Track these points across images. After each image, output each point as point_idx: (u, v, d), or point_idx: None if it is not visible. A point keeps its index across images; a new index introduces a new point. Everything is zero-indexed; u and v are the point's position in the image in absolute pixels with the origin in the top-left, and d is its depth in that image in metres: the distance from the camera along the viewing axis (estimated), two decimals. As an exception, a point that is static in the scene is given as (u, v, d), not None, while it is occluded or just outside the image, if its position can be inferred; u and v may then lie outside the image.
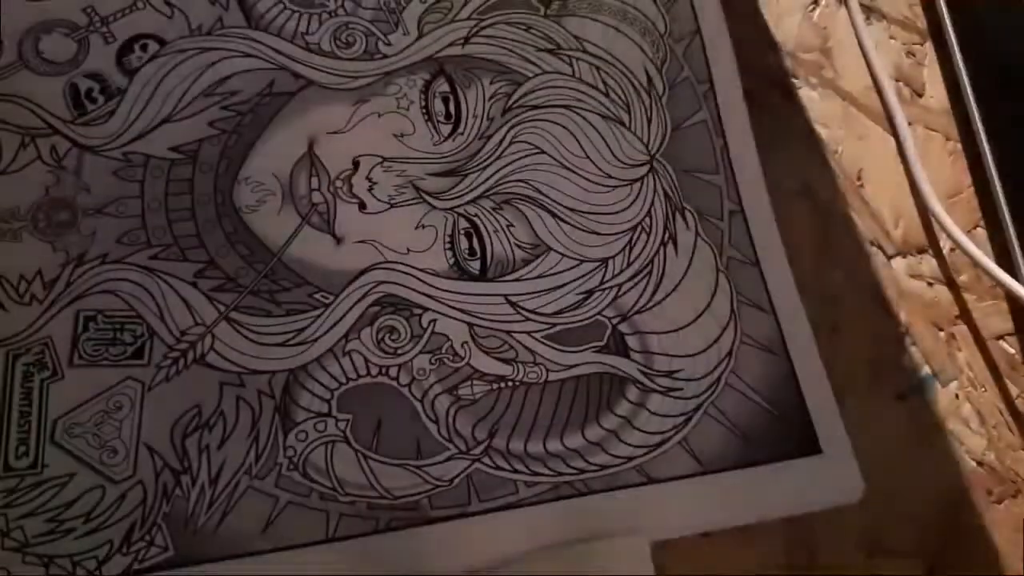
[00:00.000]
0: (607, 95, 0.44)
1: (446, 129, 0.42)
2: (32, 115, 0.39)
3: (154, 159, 0.39)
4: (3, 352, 0.35)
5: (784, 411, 0.40)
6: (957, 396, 0.45)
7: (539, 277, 0.40)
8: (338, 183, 0.40)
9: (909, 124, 0.49)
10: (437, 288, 0.39)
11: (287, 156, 0.40)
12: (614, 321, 0.40)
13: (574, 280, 0.41)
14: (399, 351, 0.38)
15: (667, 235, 0.42)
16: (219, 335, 0.37)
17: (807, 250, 0.44)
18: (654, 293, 0.41)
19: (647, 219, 0.42)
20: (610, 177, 0.43)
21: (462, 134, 0.42)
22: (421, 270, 0.39)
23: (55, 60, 0.40)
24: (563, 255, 0.41)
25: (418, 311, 0.39)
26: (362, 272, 0.39)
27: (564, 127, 0.43)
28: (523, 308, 0.40)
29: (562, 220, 0.41)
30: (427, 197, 0.40)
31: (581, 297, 0.41)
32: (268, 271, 0.38)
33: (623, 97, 0.44)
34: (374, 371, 0.38)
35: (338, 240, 0.39)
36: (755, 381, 0.40)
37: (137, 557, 0.34)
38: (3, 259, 0.37)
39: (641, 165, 0.43)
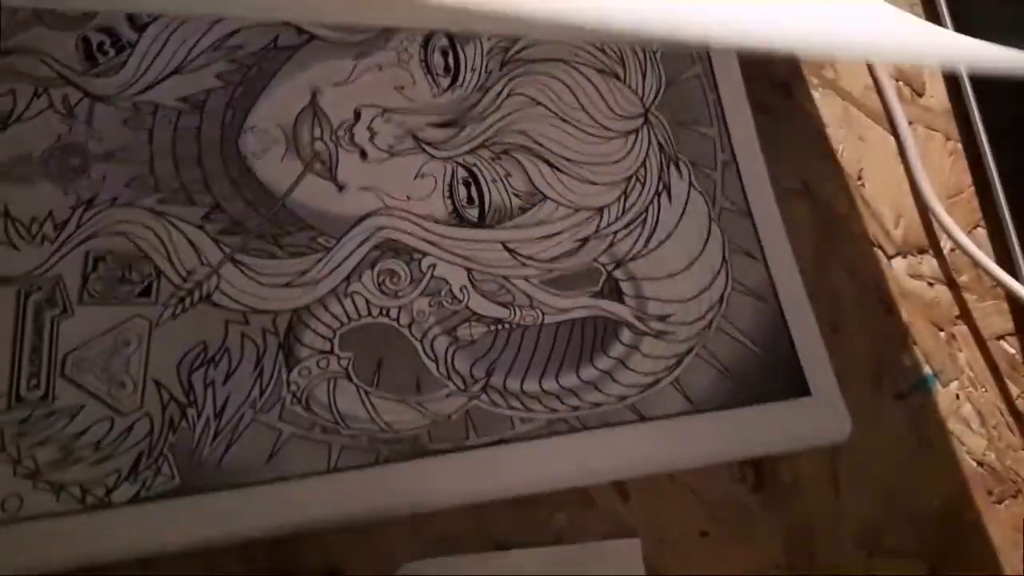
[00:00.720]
0: (603, 50, 0.45)
1: (445, 82, 0.43)
2: (46, 67, 0.40)
3: (163, 109, 0.40)
4: (15, 289, 0.37)
5: (774, 354, 0.41)
6: (957, 396, 0.45)
7: (536, 225, 0.41)
8: (340, 132, 0.41)
9: (909, 124, 0.49)
10: (436, 234, 0.40)
11: (291, 107, 0.41)
12: (609, 268, 0.41)
13: (570, 228, 0.42)
14: (399, 293, 0.39)
15: (661, 185, 0.43)
16: (225, 275, 0.38)
17: (807, 250, 0.45)
18: (648, 241, 0.42)
19: (642, 169, 0.43)
20: (606, 129, 0.44)
21: (461, 87, 0.43)
22: (421, 217, 0.41)
23: (68, 15, 0.41)
24: (559, 203, 0.42)
25: (418, 256, 0.40)
26: (363, 218, 0.40)
27: (561, 80, 0.44)
28: (520, 254, 0.41)
29: (559, 170, 0.42)
30: (426, 147, 0.42)
31: (577, 244, 0.41)
32: (272, 215, 0.39)
33: (618, 51, 0.45)
34: (375, 312, 0.39)
35: (340, 187, 0.40)
36: (745, 326, 0.41)
37: (144, 485, 0.35)
38: (16, 202, 0.38)
39: (636, 117, 0.44)
